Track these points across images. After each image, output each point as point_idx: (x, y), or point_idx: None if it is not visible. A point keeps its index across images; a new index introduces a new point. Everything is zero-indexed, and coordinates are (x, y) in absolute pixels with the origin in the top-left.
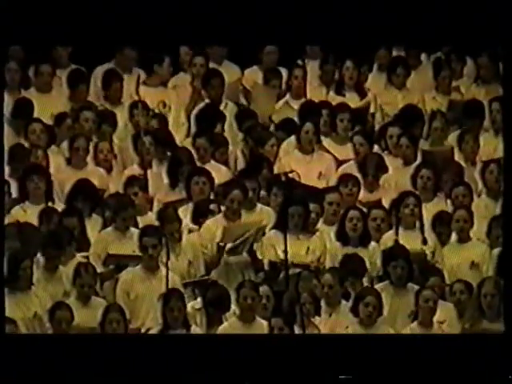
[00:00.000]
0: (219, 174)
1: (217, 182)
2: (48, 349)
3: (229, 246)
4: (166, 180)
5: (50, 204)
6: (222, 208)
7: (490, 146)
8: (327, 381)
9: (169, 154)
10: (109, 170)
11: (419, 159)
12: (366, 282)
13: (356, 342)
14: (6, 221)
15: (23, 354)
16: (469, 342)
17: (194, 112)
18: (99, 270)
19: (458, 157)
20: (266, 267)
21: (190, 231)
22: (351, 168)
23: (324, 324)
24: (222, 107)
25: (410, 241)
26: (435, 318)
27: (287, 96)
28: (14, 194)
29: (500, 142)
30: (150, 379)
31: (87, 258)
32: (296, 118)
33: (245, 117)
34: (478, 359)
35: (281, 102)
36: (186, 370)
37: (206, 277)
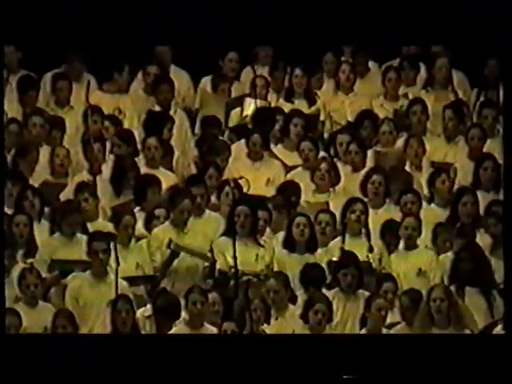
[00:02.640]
0: (167, 179)
1: (164, 187)
2: (48, 349)
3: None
4: (110, 188)
5: None
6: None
7: (441, 151)
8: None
9: (113, 160)
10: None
11: (370, 164)
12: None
13: (353, 342)
14: None
15: (23, 354)
16: (468, 342)
17: (142, 118)
18: (44, 275)
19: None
20: (216, 274)
21: (138, 239)
22: (299, 174)
23: (271, 328)
24: (171, 113)
25: (356, 248)
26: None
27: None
28: None
29: (451, 149)
30: (151, 380)
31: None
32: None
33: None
34: (477, 360)
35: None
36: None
37: (154, 274)
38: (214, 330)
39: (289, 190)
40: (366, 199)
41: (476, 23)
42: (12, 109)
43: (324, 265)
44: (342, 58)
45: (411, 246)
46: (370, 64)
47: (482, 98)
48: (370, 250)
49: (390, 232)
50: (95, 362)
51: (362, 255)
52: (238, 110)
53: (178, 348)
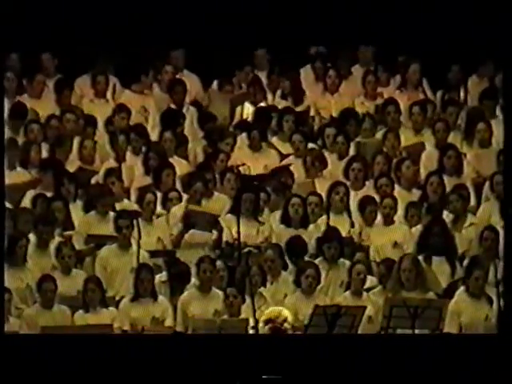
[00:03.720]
0: (181, 166)
1: (179, 173)
2: (48, 349)
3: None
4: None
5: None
6: (184, 196)
7: (411, 142)
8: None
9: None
10: (90, 163)
11: (352, 153)
12: (306, 257)
13: (352, 342)
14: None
15: (23, 354)
16: (466, 342)
17: (159, 114)
18: (80, 247)
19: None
20: (223, 245)
21: (158, 216)
22: (292, 161)
23: (267, 291)
24: (184, 110)
25: (339, 223)
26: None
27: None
28: None
29: (418, 140)
30: (152, 380)
31: (70, 236)
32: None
33: (206, 118)
34: (475, 359)
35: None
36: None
37: (171, 250)
38: (220, 293)
39: (284, 175)
40: (348, 182)
41: (442, 33)
42: (49, 107)
43: (309, 238)
44: (329, 64)
45: (389, 222)
46: (353, 68)
47: (446, 98)
48: (352, 225)
49: (366, 207)
50: (95, 362)
51: (344, 230)
52: (240, 107)
53: (177, 347)
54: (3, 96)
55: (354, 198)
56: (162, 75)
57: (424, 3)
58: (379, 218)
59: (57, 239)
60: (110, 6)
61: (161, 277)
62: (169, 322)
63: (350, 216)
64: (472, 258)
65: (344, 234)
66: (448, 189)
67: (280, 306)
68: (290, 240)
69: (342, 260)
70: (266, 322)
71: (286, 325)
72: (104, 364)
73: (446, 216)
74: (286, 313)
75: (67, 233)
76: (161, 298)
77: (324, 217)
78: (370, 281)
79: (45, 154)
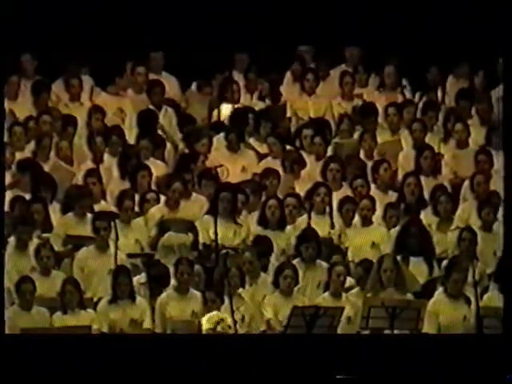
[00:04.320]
0: (158, 169)
1: (156, 175)
2: (48, 349)
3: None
4: (116, 172)
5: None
6: (162, 198)
7: (389, 143)
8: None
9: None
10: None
11: (330, 153)
12: (283, 259)
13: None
14: None
15: (23, 354)
16: (467, 342)
17: (135, 116)
18: (58, 248)
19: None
20: (201, 247)
21: (136, 216)
22: (270, 162)
23: (246, 293)
24: (162, 112)
25: (320, 224)
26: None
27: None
28: None
29: (397, 140)
30: (150, 379)
31: (48, 238)
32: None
33: (185, 120)
34: (476, 359)
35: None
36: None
37: (149, 252)
38: (198, 294)
39: (263, 176)
40: (327, 183)
41: (421, 34)
42: (25, 109)
43: (287, 239)
44: (307, 66)
45: (367, 223)
46: (334, 69)
47: (424, 99)
48: (332, 226)
49: (345, 207)
50: (95, 362)
51: (324, 231)
52: (217, 109)
53: (176, 348)
54: (3, 97)
55: (333, 199)
56: (135, 77)
57: (404, 4)
58: (357, 218)
59: (35, 241)
60: (88, 7)
61: (139, 278)
62: (147, 324)
63: (331, 217)
64: (451, 259)
65: (323, 234)
66: (426, 189)
67: (259, 306)
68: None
69: (318, 261)
70: (213, 329)
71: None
72: (103, 364)
73: (424, 217)
74: (222, 315)
75: (45, 235)
76: (139, 299)
77: (304, 217)
78: (349, 281)
79: (24, 155)
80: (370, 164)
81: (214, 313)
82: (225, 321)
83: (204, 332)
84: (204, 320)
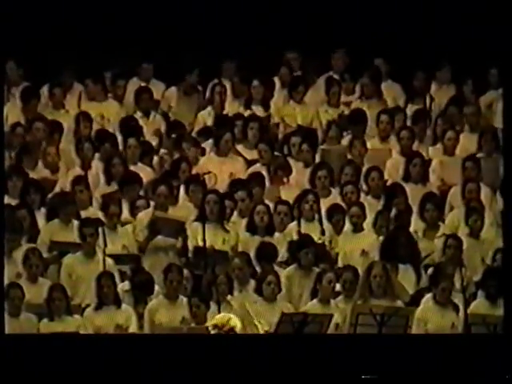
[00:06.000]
0: (146, 174)
1: (145, 181)
2: (47, 349)
3: None
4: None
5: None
6: (151, 203)
7: (379, 151)
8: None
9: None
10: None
11: (318, 160)
12: (274, 265)
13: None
14: None
15: (23, 354)
16: (468, 342)
17: (118, 122)
18: (44, 255)
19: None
20: (190, 254)
21: (123, 224)
22: (258, 169)
23: (235, 300)
24: (150, 118)
25: (310, 231)
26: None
27: (208, 108)
28: None
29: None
30: (149, 379)
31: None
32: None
33: (173, 126)
34: (477, 359)
35: (202, 112)
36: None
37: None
38: (185, 300)
39: (251, 182)
40: (315, 190)
41: (406, 41)
42: (15, 115)
43: (280, 245)
44: (295, 74)
45: (358, 229)
46: (323, 76)
47: (410, 105)
48: (322, 233)
49: (335, 214)
50: (94, 362)
51: (314, 238)
52: (202, 113)
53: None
54: (3, 99)
55: (322, 206)
56: (116, 89)
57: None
58: (348, 225)
59: (23, 247)
60: (76, 14)
61: (123, 286)
62: (133, 329)
63: (320, 224)
64: (436, 266)
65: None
66: (412, 197)
67: (250, 318)
68: (260, 246)
69: (314, 268)
70: (213, 326)
71: (231, 333)
72: (104, 364)
73: (415, 224)
74: (235, 322)
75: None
76: (124, 305)
77: (293, 224)
78: (338, 288)
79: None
80: (361, 170)
81: (228, 315)
82: (231, 327)
83: (209, 325)
84: (216, 317)
